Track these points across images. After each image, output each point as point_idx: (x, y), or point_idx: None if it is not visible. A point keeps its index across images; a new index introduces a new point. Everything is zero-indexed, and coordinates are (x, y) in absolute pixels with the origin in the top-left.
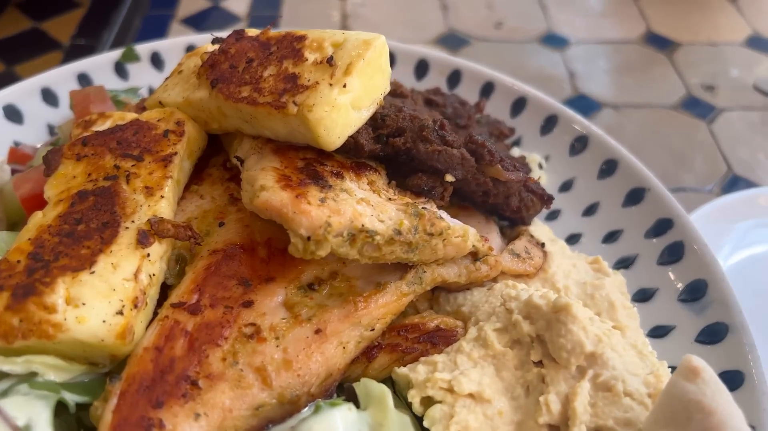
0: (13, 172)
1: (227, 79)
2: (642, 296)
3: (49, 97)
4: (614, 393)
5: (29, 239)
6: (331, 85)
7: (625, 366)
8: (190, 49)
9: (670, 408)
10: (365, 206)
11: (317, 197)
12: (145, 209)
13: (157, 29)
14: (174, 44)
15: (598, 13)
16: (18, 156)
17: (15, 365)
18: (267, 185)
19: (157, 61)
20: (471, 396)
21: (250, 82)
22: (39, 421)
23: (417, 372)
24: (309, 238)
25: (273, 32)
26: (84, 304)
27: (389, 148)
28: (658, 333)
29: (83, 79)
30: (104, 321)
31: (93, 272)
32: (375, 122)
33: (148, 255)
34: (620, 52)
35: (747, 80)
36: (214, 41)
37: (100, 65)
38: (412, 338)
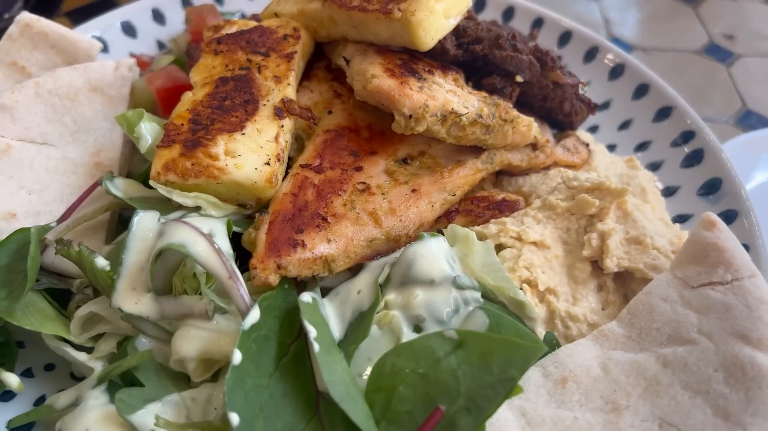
0: None
1: None
2: (667, 193)
3: (158, 16)
4: (644, 246)
5: (187, 110)
6: None
7: (654, 229)
8: None
9: (691, 249)
10: (453, 95)
11: (416, 85)
12: (276, 92)
13: None
14: None
15: None
16: (139, 63)
17: (187, 198)
18: (377, 74)
19: None
20: (534, 243)
21: None
22: (218, 231)
23: (489, 228)
24: (410, 116)
25: None
26: (240, 155)
27: (468, 54)
28: (679, 220)
29: (187, 2)
30: (256, 169)
31: (244, 134)
32: (458, 33)
33: (282, 126)
34: (651, 3)
35: (765, 32)
36: None
37: None
38: (482, 206)
